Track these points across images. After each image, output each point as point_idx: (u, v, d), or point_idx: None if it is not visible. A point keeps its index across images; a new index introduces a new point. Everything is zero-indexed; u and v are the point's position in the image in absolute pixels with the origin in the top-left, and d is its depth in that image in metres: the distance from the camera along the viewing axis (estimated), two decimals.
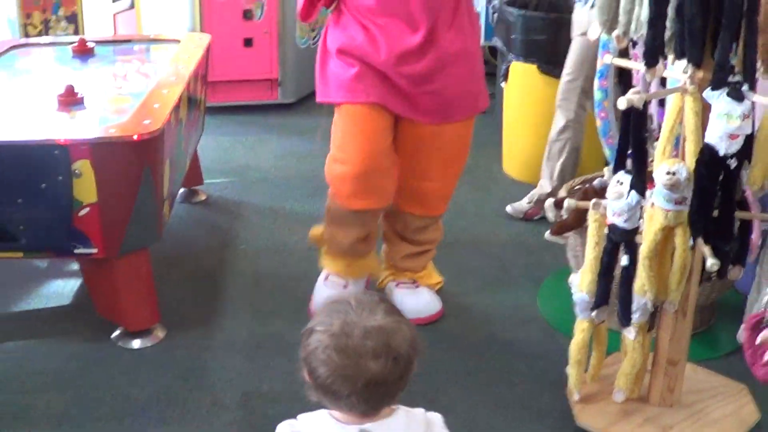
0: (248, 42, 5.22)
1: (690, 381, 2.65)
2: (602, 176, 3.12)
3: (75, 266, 3.45)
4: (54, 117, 2.98)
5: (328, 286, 3.17)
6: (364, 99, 2.82)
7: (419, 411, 1.66)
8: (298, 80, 5.45)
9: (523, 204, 4.10)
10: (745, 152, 2.19)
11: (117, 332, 3.00)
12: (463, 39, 2.88)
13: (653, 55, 2.19)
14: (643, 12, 2.27)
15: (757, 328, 2.11)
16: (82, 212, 2.73)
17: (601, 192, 2.78)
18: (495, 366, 2.92)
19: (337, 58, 2.88)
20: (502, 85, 4.55)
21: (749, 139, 2.18)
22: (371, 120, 2.84)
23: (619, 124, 2.33)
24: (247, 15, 5.20)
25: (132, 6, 6.04)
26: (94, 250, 2.79)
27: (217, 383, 2.78)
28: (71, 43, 3.85)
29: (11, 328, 3.13)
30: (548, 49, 4.18)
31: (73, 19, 5.19)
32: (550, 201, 3.10)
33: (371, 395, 1.51)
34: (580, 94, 3.83)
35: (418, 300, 3.17)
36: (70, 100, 3.04)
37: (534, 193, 4.09)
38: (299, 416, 1.63)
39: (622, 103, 2.19)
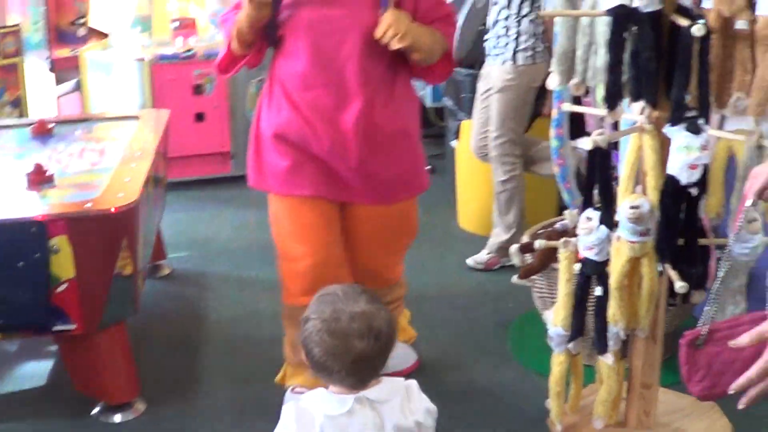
0: (200, 117, 5.32)
1: (663, 403, 2.76)
2: (561, 220, 3.27)
3: (47, 346, 3.46)
4: (25, 196, 3.01)
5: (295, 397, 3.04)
6: (304, 192, 2.77)
7: (399, 378, 1.96)
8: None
9: (483, 255, 4.22)
10: (704, 182, 2.33)
11: (98, 408, 3.01)
12: (402, 119, 2.84)
13: (614, 99, 2.33)
14: (598, 60, 2.43)
15: (692, 345, 2.20)
16: (60, 288, 2.75)
17: (564, 234, 2.91)
18: (476, 410, 3.01)
19: (271, 144, 2.81)
20: (453, 143, 4.70)
21: (707, 170, 2.33)
22: (315, 212, 2.79)
23: (581, 166, 2.46)
24: (198, 90, 5.31)
25: (76, 88, 6.12)
26: (73, 326, 2.80)
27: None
28: (29, 124, 3.90)
29: None
30: None
31: (18, 104, 5.25)
32: (515, 247, 3.21)
33: (358, 369, 1.82)
34: (511, 146, 4.02)
35: (394, 353, 3.20)
36: (40, 178, 3.09)
37: (492, 243, 4.22)
38: (301, 396, 1.85)
39: (588, 145, 2.33)
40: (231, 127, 5.46)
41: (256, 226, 4.76)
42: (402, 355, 3.18)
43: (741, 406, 1.50)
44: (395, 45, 2.63)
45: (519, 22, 3.90)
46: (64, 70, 6.39)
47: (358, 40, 2.68)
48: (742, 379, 1.49)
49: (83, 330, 2.81)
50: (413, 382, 1.95)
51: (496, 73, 3.97)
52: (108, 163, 3.33)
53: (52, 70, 6.38)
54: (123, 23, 5.71)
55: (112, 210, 2.75)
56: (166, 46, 5.50)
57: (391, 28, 2.61)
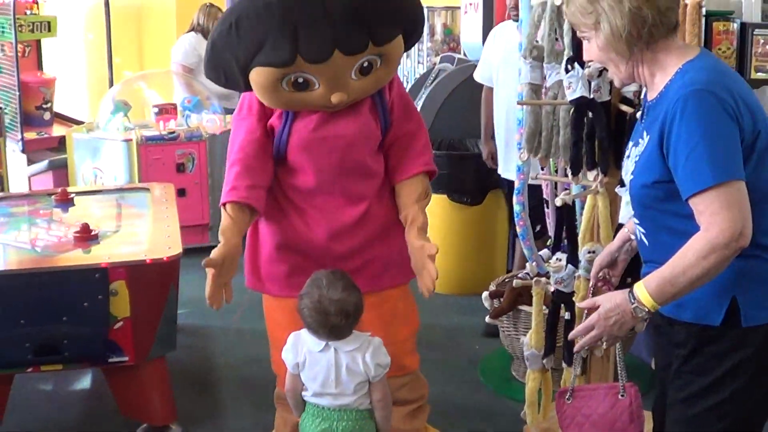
0: (182, 192, 5.85)
1: None
2: (516, 276, 3.93)
3: (82, 384, 3.96)
4: (75, 251, 3.54)
5: None
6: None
7: (366, 334, 2.64)
8: None
9: None
10: None
11: (141, 428, 3.51)
12: (391, 211, 3.00)
13: (576, 168, 3.04)
14: (560, 139, 3.14)
15: (563, 397, 2.67)
16: (117, 326, 3.29)
17: (524, 285, 3.61)
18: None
19: (273, 250, 2.96)
20: None
21: None
22: None
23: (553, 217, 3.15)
24: (180, 168, 5.87)
25: (48, 168, 6.62)
26: (126, 359, 3.33)
27: None
28: (52, 194, 4.42)
29: None
30: (454, 181, 5.03)
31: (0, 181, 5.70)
32: (486, 294, 3.90)
33: (332, 334, 2.58)
34: None
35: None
36: (87, 236, 3.62)
37: None
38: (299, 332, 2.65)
39: (559, 202, 3.02)
40: (210, 201, 6.03)
41: (241, 289, 5.27)
42: None
43: (576, 350, 2.20)
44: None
45: None
46: (34, 151, 6.95)
47: (363, 150, 2.91)
48: (578, 328, 2.17)
49: (134, 362, 3.34)
50: (377, 340, 2.64)
51: None
52: (141, 223, 3.89)
53: (23, 151, 6.93)
54: (106, 108, 6.27)
55: (165, 259, 3.32)
56: (149, 128, 6.07)
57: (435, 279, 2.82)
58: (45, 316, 3.21)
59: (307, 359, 2.62)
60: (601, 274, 2.52)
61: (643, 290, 2.05)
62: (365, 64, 2.76)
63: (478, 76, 4.80)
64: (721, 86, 2.01)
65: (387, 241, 2.97)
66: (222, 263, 2.76)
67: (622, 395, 2.53)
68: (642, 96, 2.54)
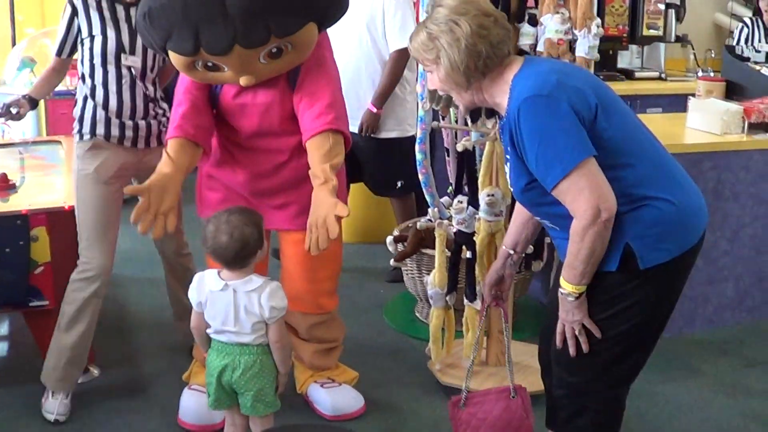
0: None
1: (514, 349, 3.64)
2: (421, 219, 4.17)
3: (0, 329, 4.06)
4: None
5: (193, 394, 3.35)
6: None
7: (266, 278, 2.79)
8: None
9: None
10: None
11: None
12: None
13: (476, 115, 3.27)
14: None
15: (457, 405, 2.92)
16: (38, 270, 3.40)
17: (427, 228, 3.84)
18: (366, 364, 3.84)
19: (207, 178, 3.33)
20: None
21: None
22: None
23: (454, 164, 3.38)
24: None
25: None
26: (47, 303, 3.45)
27: (152, 407, 3.49)
28: None
29: None
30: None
31: None
32: (390, 238, 4.12)
33: (231, 261, 2.71)
34: None
35: (344, 396, 3.43)
36: (4, 185, 3.71)
37: None
38: (205, 274, 2.83)
39: (460, 147, 3.25)
40: None
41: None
42: (349, 399, 3.44)
43: (571, 352, 2.39)
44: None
45: None
46: None
47: (278, 113, 3.13)
48: (558, 338, 2.42)
49: (54, 306, 3.45)
50: (275, 284, 2.78)
51: None
52: (56, 173, 3.99)
53: None
54: (12, 65, 6.26)
55: None
56: None
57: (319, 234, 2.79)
58: None
59: (209, 298, 2.78)
60: (492, 292, 2.82)
61: (563, 281, 2.33)
62: (274, 50, 2.92)
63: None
64: (543, 85, 2.23)
65: (304, 187, 3.07)
66: (149, 191, 2.90)
67: (513, 396, 2.84)
68: (576, 45, 2.83)
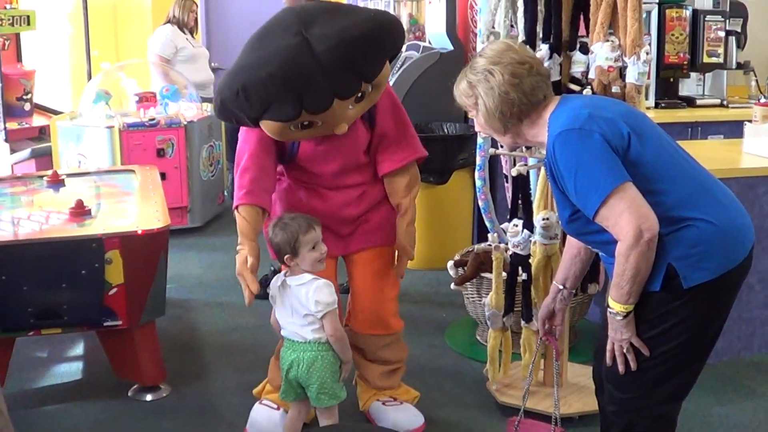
0: (162, 176, 6.11)
1: (571, 371, 3.75)
2: (481, 245, 4.25)
3: (75, 350, 4.25)
4: (70, 224, 3.81)
5: (264, 409, 3.45)
6: None
7: (313, 276, 3.01)
8: (204, 207, 6.42)
9: None
10: None
11: (133, 388, 3.81)
12: (381, 190, 3.41)
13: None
14: None
15: (513, 425, 3.13)
16: (112, 292, 3.56)
17: (486, 252, 3.93)
18: (428, 383, 3.93)
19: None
20: None
21: None
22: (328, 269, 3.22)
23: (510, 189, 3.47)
24: (160, 153, 6.17)
25: (30, 156, 6.86)
26: (120, 323, 3.61)
27: (220, 423, 3.61)
28: (42, 176, 4.69)
29: (41, 398, 3.88)
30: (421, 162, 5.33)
31: None
32: (450, 263, 4.21)
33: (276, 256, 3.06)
34: None
35: (406, 414, 3.51)
36: (81, 211, 3.88)
37: None
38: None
39: (514, 172, 3.34)
40: (188, 185, 6.32)
41: (221, 266, 5.61)
42: (410, 416, 3.52)
43: (621, 370, 2.46)
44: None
45: None
46: (16, 141, 7.17)
47: (357, 153, 3.30)
48: (608, 357, 2.50)
49: (127, 325, 3.62)
50: (323, 281, 3.00)
51: None
52: (130, 200, 4.18)
53: (6, 140, 7.15)
54: (88, 98, 6.54)
55: (155, 230, 3.60)
56: (129, 116, 6.35)
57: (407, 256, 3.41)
58: (46, 283, 3.47)
59: (276, 296, 3.10)
60: (546, 327, 2.93)
61: (611, 301, 2.41)
62: (359, 95, 3.06)
63: None
64: (575, 119, 2.36)
65: (379, 210, 3.41)
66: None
67: None
68: (627, 72, 2.95)
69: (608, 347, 2.50)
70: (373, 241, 3.42)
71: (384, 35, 3.06)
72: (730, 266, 2.40)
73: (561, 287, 2.82)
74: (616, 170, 2.31)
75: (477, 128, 2.61)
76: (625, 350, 2.44)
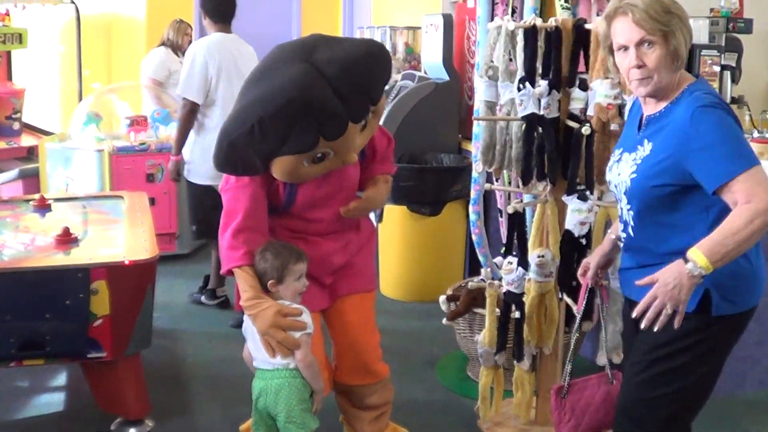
0: (151, 201, 6.03)
1: None
2: (470, 281, 4.20)
3: (58, 381, 4.15)
4: (56, 252, 3.73)
5: None
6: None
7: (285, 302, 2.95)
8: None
9: None
10: (589, 237, 3.30)
11: (117, 421, 3.72)
12: (362, 234, 3.37)
13: (527, 178, 3.31)
14: (513, 153, 3.41)
15: (560, 393, 2.96)
16: (97, 323, 3.48)
17: (479, 288, 3.87)
18: (420, 423, 3.85)
19: None
20: (376, 223, 5.62)
21: (591, 229, 3.31)
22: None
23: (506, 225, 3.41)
24: (150, 178, 6.09)
25: (18, 177, 6.78)
26: (104, 354, 3.52)
27: None
28: (29, 200, 4.61)
29: (22, 429, 3.79)
30: (414, 193, 5.30)
31: None
32: (443, 297, 4.15)
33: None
34: None
35: None
36: (67, 239, 3.81)
37: None
38: None
39: (511, 209, 3.29)
40: (177, 211, 6.24)
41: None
42: None
43: (643, 325, 2.31)
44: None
45: None
46: (4, 160, 7.09)
47: (353, 193, 3.24)
48: (639, 305, 2.31)
49: (111, 357, 3.54)
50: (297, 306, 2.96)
51: None
52: (117, 228, 4.10)
53: None
54: (78, 119, 6.48)
55: (143, 260, 3.52)
56: (120, 139, 6.28)
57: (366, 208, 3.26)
58: (29, 313, 3.39)
59: (249, 328, 3.03)
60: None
61: (697, 252, 2.27)
62: (364, 123, 3.02)
63: (194, 93, 4.99)
64: (722, 100, 2.43)
65: (360, 255, 3.34)
66: None
67: (612, 382, 2.91)
68: (626, 110, 2.89)
69: (647, 299, 2.31)
70: (355, 287, 3.33)
71: (381, 57, 3.04)
72: (750, 305, 2.49)
73: (613, 237, 2.77)
74: (754, 154, 2.35)
75: (646, 61, 2.41)
76: (665, 311, 2.29)
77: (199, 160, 5.02)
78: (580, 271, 2.90)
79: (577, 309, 3.03)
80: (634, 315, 2.33)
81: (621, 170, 2.55)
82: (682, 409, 2.53)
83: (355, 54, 2.90)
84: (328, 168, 3.02)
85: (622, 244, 2.69)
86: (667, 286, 2.27)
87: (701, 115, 2.34)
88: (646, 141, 2.48)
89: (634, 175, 2.48)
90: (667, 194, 2.42)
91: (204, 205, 5.05)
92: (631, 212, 2.53)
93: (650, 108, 2.51)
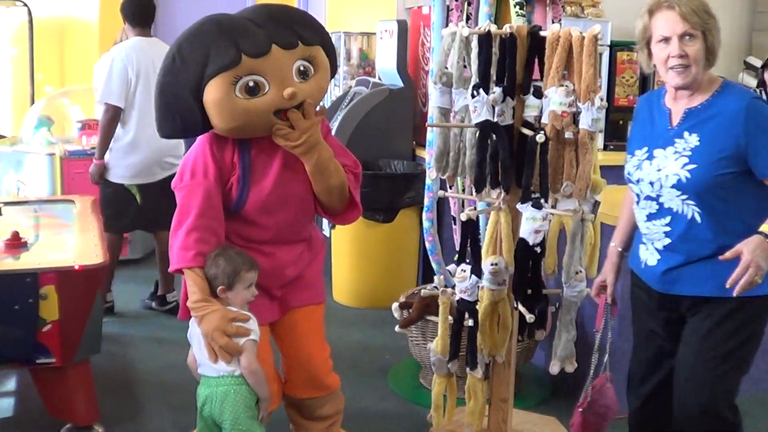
0: None
1: (516, 418, 3.69)
2: (423, 288, 4.19)
3: (7, 386, 4.09)
4: (4, 257, 3.68)
5: None
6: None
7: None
8: (144, 238, 6.27)
9: None
10: (543, 245, 3.31)
11: (66, 427, 3.66)
12: (313, 246, 3.31)
13: (480, 186, 3.31)
14: (467, 160, 3.41)
15: (586, 412, 3.14)
16: (46, 328, 3.43)
17: (432, 296, 3.86)
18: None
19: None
20: (327, 232, 5.61)
21: (545, 237, 3.32)
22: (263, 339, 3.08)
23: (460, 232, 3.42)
24: None
25: None
26: (53, 360, 3.48)
27: None
28: None
29: None
30: (367, 200, 5.27)
31: None
32: (395, 305, 4.15)
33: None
34: None
35: None
36: (16, 243, 3.76)
37: None
38: None
39: (464, 217, 3.29)
40: None
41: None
42: None
43: (735, 293, 2.47)
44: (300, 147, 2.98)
45: None
46: None
47: (310, 200, 3.16)
48: (732, 276, 2.45)
49: (61, 363, 3.49)
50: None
51: None
52: (67, 232, 4.05)
53: None
54: (29, 123, 6.39)
55: (93, 265, 3.48)
56: (72, 143, 6.21)
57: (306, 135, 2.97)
58: None
59: (194, 335, 2.97)
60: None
61: None
62: (302, 68, 2.98)
63: (115, 98, 5.01)
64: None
65: (310, 267, 3.29)
66: None
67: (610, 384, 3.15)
68: (580, 117, 3.03)
69: (740, 269, 2.46)
70: (306, 299, 3.28)
71: (315, 23, 3.15)
72: None
73: (620, 250, 3.13)
74: None
75: (688, 50, 2.68)
76: (755, 277, 2.44)
77: (115, 160, 5.10)
78: (593, 292, 3.21)
79: (596, 327, 3.28)
80: (728, 284, 2.48)
81: (661, 165, 2.77)
82: (739, 376, 2.81)
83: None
84: (268, 104, 2.89)
85: (656, 246, 2.88)
86: (756, 256, 2.44)
87: (757, 107, 2.62)
88: (686, 133, 2.70)
89: (693, 166, 2.68)
90: (728, 183, 2.65)
91: (113, 203, 5.10)
92: (692, 206, 2.73)
93: (683, 102, 2.75)
